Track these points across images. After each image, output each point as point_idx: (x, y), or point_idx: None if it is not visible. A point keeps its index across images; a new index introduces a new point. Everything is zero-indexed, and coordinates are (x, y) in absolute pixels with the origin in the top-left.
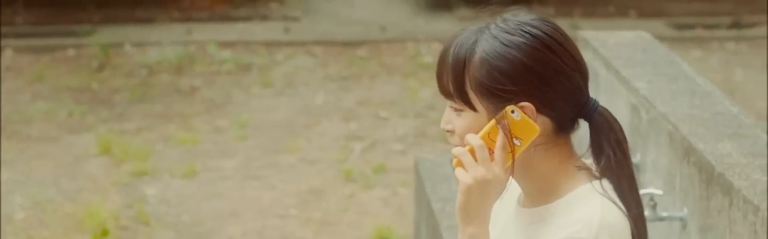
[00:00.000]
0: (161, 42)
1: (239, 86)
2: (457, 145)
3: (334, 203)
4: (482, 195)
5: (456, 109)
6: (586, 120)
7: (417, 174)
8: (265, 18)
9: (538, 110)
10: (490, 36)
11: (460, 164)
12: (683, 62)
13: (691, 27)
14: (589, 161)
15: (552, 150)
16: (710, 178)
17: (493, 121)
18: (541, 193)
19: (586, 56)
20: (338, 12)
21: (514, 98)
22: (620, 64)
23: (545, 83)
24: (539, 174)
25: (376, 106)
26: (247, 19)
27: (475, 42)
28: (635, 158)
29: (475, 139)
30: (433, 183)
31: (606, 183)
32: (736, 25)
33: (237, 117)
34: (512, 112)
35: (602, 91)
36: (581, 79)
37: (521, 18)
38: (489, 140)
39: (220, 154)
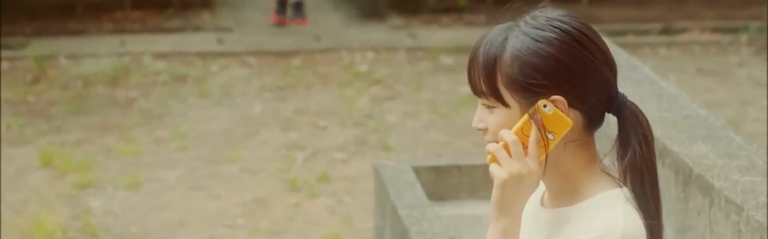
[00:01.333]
0: (95, 54)
1: (176, 97)
2: (490, 143)
3: (281, 212)
4: (517, 189)
5: (488, 107)
6: (615, 114)
7: (378, 181)
8: (197, 29)
9: (570, 104)
10: (520, 32)
11: (495, 160)
12: (645, 66)
13: (622, 33)
14: (609, 163)
15: (581, 147)
16: (688, 180)
17: (526, 116)
18: (564, 193)
19: None
20: (269, 22)
21: (546, 92)
22: None
23: (576, 77)
24: (566, 173)
25: (314, 116)
26: (180, 30)
27: (505, 39)
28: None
29: (509, 135)
30: (397, 190)
31: (627, 191)
32: (666, 31)
33: (176, 128)
34: (544, 106)
35: None
36: (610, 73)
37: (550, 14)
38: (522, 135)
39: (162, 165)
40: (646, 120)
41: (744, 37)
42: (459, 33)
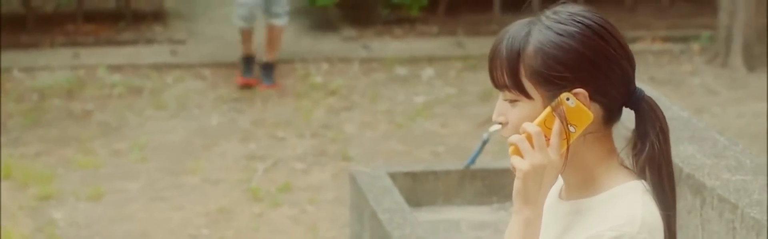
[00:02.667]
0: (49, 66)
1: (132, 109)
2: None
3: (244, 222)
4: (539, 180)
5: (511, 101)
6: (632, 108)
7: (355, 188)
8: (150, 41)
9: (591, 97)
10: (543, 27)
11: (517, 152)
12: None
13: None
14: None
15: (600, 140)
16: (678, 179)
17: (548, 109)
18: (582, 185)
19: None
20: (223, 34)
21: (568, 85)
22: None
23: (598, 70)
24: (585, 165)
25: (272, 127)
26: (133, 42)
27: (529, 33)
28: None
29: (532, 127)
30: (375, 195)
31: (645, 183)
32: None
33: (134, 139)
34: (567, 99)
35: None
36: (630, 67)
37: (571, 9)
38: (544, 127)
39: (123, 176)
40: (663, 115)
41: (696, 46)
42: (411, 44)
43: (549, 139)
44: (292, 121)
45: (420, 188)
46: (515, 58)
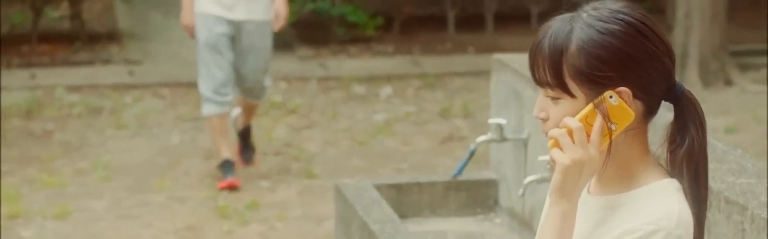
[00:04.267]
0: (7, 87)
1: (93, 129)
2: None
3: None
4: (577, 175)
5: (553, 98)
6: (673, 102)
7: (341, 200)
8: (106, 62)
9: (634, 95)
10: (585, 24)
11: (556, 145)
12: None
13: None
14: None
15: (638, 136)
16: None
17: (591, 106)
18: (617, 181)
19: (507, 77)
20: (178, 54)
21: (612, 84)
22: None
23: (642, 68)
24: (622, 161)
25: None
26: (89, 63)
27: (571, 31)
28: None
29: (573, 122)
30: (364, 206)
31: (677, 182)
32: None
33: (97, 158)
34: (610, 97)
35: (528, 109)
36: (671, 63)
37: (612, 6)
38: (586, 124)
39: (89, 195)
40: (702, 109)
41: None
42: (368, 62)
43: (590, 136)
44: (254, 140)
45: (405, 199)
46: (558, 57)
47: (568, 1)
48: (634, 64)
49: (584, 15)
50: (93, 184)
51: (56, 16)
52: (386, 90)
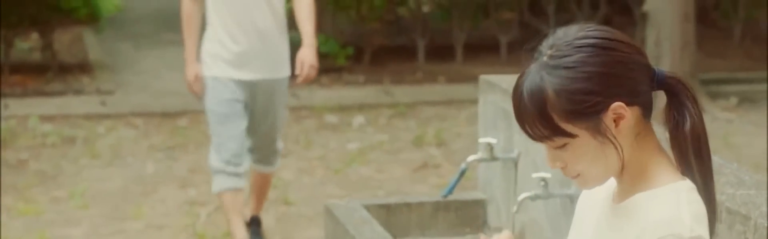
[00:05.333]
0: None
1: (67, 158)
2: (573, 177)
3: None
4: None
5: (559, 147)
6: (661, 88)
7: (331, 221)
8: (78, 92)
9: (627, 103)
10: (551, 67)
11: None
12: None
13: None
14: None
15: (646, 139)
16: None
17: None
18: (635, 185)
19: (495, 97)
20: (150, 84)
21: (603, 106)
22: None
23: (622, 78)
24: (637, 166)
25: (208, 174)
26: (61, 93)
27: (541, 80)
28: (570, 189)
29: None
30: (355, 226)
31: (690, 183)
32: None
33: (73, 187)
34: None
35: (517, 129)
36: (642, 57)
37: (566, 38)
38: None
39: (66, 223)
40: (690, 84)
41: None
42: (340, 92)
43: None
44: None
45: (394, 220)
46: (543, 109)
47: (534, 38)
48: (614, 79)
49: (544, 58)
50: (70, 212)
51: (27, 48)
52: (358, 119)
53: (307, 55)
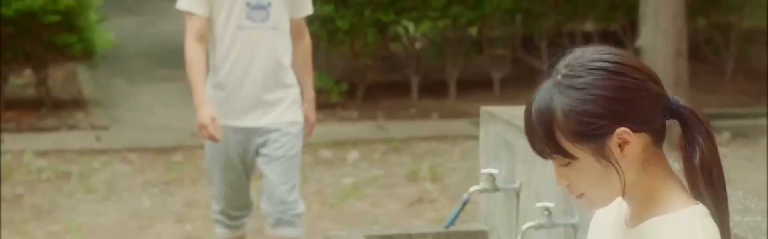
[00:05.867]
0: None
1: (62, 193)
2: (578, 197)
3: None
4: None
5: (563, 165)
6: (674, 118)
7: None
8: (73, 128)
9: (635, 130)
10: (563, 87)
11: None
12: None
13: None
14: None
15: (656, 165)
16: None
17: None
18: (646, 210)
19: (496, 128)
20: (144, 120)
21: (609, 130)
22: None
23: (631, 104)
24: (648, 191)
25: (205, 208)
26: (56, 129)
27: (551, 99)
28: (574, 218)
29: None
30: None
31: (703, 207)
32: None
33: (69, 222)
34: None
35: (520, 159)
36: (656, 85)
37: (580, 58)
38: None
39: None
40: (706, 117)
41: None
42: (334, 128)
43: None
44: None
45: None
46: (550, 128)
47: (551, 59)
48: (621, 104)
49: (559, 77)
50: None
51: (21, 83)
52: (353, 154)
53: (311, 110)
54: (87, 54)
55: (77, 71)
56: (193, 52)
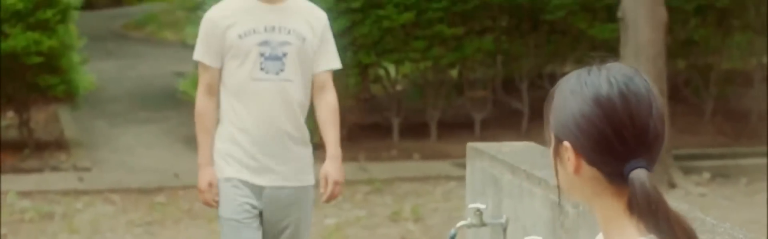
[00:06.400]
0: None
1: (46, 234)
2: None
3: None
4: None
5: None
6: (626, 181)
7: None
8: (55, 169)
9: (586, 159)
10: (581, 80)
11: None
12: None
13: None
14: None
15: (609, 201)
16: None
17: None
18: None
19: (483, 164)
20: (126, 162)
21: (561, 137)
22: (528, 167)
23: (580, 131)
24: (603, 224)
25: None
26: (39, 170)
27: (559, 85)
28: None
29: None
30: None
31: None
32: None
33: None
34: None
35: (506, 194)
36: (614, 136)
37: (615, 70)
38: None
39: None
40: (655, 194)
41: None
42: (315, 169)
43: None
44: None
45: None
46: (547, 109)
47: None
48: (575, 126)
49: (591, 71)
50: None
51: (3, 125)
52: None
53: (334, 169)
54: (69, 95)
55: (59, 113)
56: (203, 106)
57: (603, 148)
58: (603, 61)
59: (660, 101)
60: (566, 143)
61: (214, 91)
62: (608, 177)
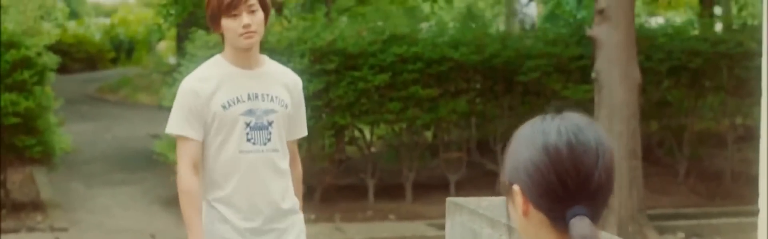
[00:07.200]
0: None
1: None
2: None
3: None
4: None
5: None
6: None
7: None
8: (32, 229)
9: (533, 203)
10: (537, 124)
11: None
12: None
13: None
14: None
15: (553, 235)
16: None
17: None
18: None
19: (463, 218)
20: (103, 223)
21: (512, 180)
22: (508, 221)
23: (524, 172)
24: None
25: None
26: (15, 231)
27: (522, 128)
28: None
29: None
30: None
31: None
32: None
33: None
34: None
35: None
36: (557, 182)
37: (571, 119)
38: None
39: None
40: None
41: None
42: None
43: None
44: None
45: None
46: (505, 151)
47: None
48: (523, 170)
49: (551, 117)
50: None
51: None
52: None
53: None
54: (46, 156)
55: (35, 174)
56: (188, 184)
57: (548, 194)
58: (559, 110)
59: (610, 153)
60: (516, 187)
61: (198, 168)
62: (553, 222)
